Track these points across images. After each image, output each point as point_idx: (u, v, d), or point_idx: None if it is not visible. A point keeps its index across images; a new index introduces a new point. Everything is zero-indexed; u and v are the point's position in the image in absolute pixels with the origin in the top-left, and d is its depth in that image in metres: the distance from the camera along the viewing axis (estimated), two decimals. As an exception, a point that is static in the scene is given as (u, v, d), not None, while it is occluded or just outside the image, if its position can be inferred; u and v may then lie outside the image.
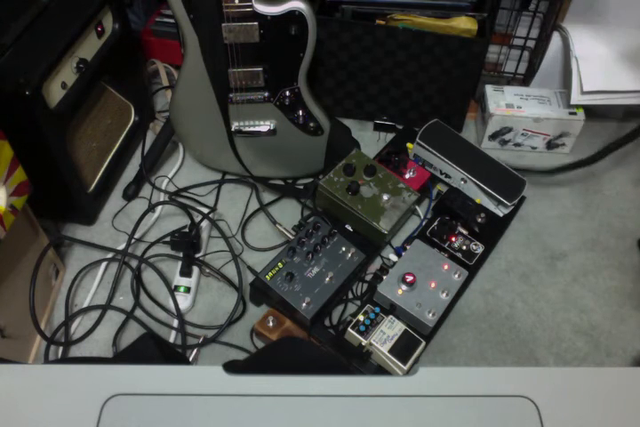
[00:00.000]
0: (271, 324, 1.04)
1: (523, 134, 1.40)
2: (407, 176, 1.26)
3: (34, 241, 1.06)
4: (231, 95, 1.13)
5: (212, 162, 1.33)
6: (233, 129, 1.19)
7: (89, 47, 1.11)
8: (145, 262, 1.16)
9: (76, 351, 1.07)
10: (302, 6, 1.00)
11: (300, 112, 1.17)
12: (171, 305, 1.11)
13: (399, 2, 1.29)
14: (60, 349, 1.06)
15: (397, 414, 0.47)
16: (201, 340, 1.06)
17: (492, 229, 1.22)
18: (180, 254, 1.17)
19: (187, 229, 1.18)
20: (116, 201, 1.30)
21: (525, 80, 1.53)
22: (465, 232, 1.20)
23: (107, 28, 1.17)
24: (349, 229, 1.17)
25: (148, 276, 1.17)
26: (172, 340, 1.08)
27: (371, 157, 1.23)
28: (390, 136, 1.42)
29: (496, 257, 1.23)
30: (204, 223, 1.21)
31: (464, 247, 1.18)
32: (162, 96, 1.51)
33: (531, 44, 1.47)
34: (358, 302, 1.13)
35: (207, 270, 1.16)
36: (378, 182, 1.17)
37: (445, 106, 1.39)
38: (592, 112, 1.40)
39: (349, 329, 1.01)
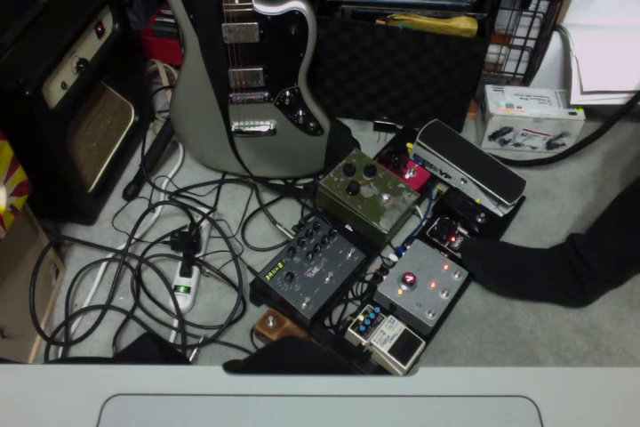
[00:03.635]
0: (271, 324, 1.04)
1: (523, 134, 1.40)
2: (407, 176, 1.26)
3: (34, 241, 1.06)
4: (231, 95, 1.13)
5: (212, 162, 1.33)
6: (233, 129, 1.19)
7: (89, 47, 1.11)
8: (145, 262, 1.16)
9: (76, 351, 1.07)
10: (302, 6, 1.00)
11: (300, 112, 1.17)
12: (171, 305, 1.11)
13: (399, 2, 1.29)
14: (60, 349, 1.06)
15: (397, 414, 0.47)
16: (201, 340, 1.06)
17: (492, 229, 1.22)
18: (180, 254, 1.17)
19: (187, 229, 1.18)
20: (116, 201, 1.30)
21: (525, 80, 1.53)
22: (465, 232, 1.20)
23: (107, 28, 1.17)
24: (349, 229, 1.17)
25: (148, 276, 1.17)
26: (172, 340, 1.08)
27: (371, 157, 1.23)
28: (390, 136, 1.42)
29: (496, 257, 1.22)
30: (204, 223, 1.21)
31: (464, 247, 1.18)
32: (162, 96, 1.51)
33: (531, 44, 1.47)
34: (358, 302, 1.13)
35: (207, 270, 1.16)
36: (378, 182, 1.17)
37: (445, 106, 1.39)
38: (592, 112, 1.40)
39: (349, 329, 1.01)
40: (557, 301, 1.15)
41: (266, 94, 1.14)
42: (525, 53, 1.49)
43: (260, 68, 1.09)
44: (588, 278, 1.09)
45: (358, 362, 1.01)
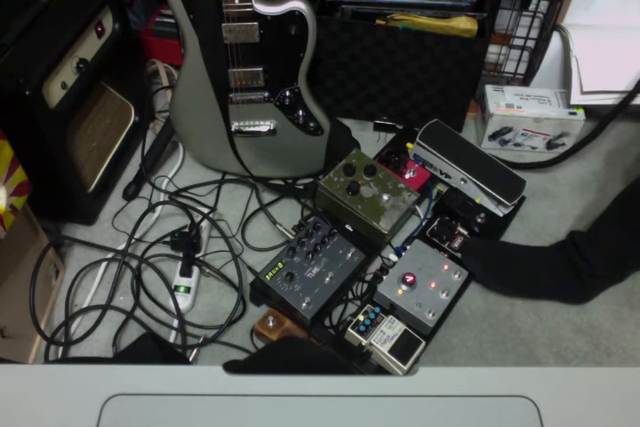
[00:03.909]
0: (271, 324, 1.04)
1: (523, 134, 1.40)
2: (407, 176, 1.26)
3: (34, 241, 1.06)
4: (231, 95, 1.13)
5: (212, 162, 1.33)
6: (233, 129, 1.19)
7: (89, 47, 1.11)
8: (145, 262, 1.16)
9: (76, 351, 1.07)
10: (302, 6, 1.00)
11: (300, 112, 1.17)
12: (171, 305, 1.11)
13: (399, 2, 1.29)
14: (60, 349, 1.06)
15: (397, 414, 0.47)
16: (201, 340, 1.06)
17: (492, 229, 1.22)
18: (180, 254, 1.17)
19: (187, 229, 1.18)
20: (115, 201, 1.30)
21: (525, 80, 1.53)
22: (465, 232, 1.20)
23: (107, 28, 1.17)
24: (349, 229, 1.17)
25: (148, 276, 1.17)
26: (172, 340, 1.08)
27: (371, 157, 1.23)
28: (390, 136, 1.42)
29: (496, 257, 1.22)
30: (204, 223, 1.21)
31: (464, 247, 1.18)
32: (162, 96, 1.51)
33: (531, 44, 1.47)
34: (358, 302, 1.13)
35: (207, 270, 1.16)
36: (378, 182, 1.17)
37: (445, 106, 1.39)
38: (592, 112, 1.40)
39: (349, 329, 1.01)
40: (557, 298, 1.15)
41: (266, 94, 1.14)
42: (525, 53, 1.49)
43: (260, 68, 1.09)
44: (588, 275, 1.10)
45: (358, 362, 1.01)
